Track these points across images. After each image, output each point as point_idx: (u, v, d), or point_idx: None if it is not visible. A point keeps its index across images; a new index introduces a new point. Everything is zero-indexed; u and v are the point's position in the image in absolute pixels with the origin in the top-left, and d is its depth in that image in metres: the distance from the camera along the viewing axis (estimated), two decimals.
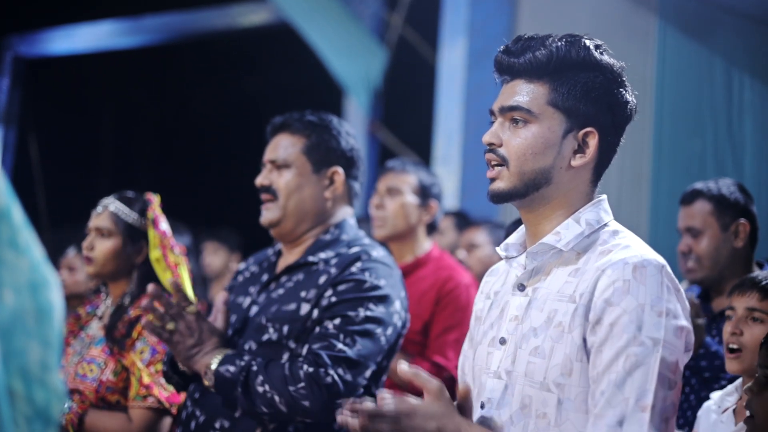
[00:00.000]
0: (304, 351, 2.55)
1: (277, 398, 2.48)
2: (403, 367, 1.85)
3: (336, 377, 2.48)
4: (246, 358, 2.56)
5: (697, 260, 3.31)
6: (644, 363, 1.75)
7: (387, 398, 1.82)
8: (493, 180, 1.97)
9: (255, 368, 2.52)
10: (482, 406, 1.93)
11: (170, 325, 2.58)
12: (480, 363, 1.98)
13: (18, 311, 1.26)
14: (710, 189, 3.34)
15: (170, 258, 3.21)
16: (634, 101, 1.97)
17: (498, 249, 2.07)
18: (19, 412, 1.24)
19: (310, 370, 2.48)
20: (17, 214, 1.31)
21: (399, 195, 4.06)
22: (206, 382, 2.58)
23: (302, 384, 2.47)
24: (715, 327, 3.27)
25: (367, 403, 1.81)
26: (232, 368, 2.53)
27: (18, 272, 1.28)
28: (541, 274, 1.94)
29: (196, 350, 2.59)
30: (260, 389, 2.50)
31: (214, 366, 2.55)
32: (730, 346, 2.75)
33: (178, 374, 2.73)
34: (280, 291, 2.73)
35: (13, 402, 1.23)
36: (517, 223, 2.99)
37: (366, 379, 2.57)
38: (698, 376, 3.16)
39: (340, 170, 2.81)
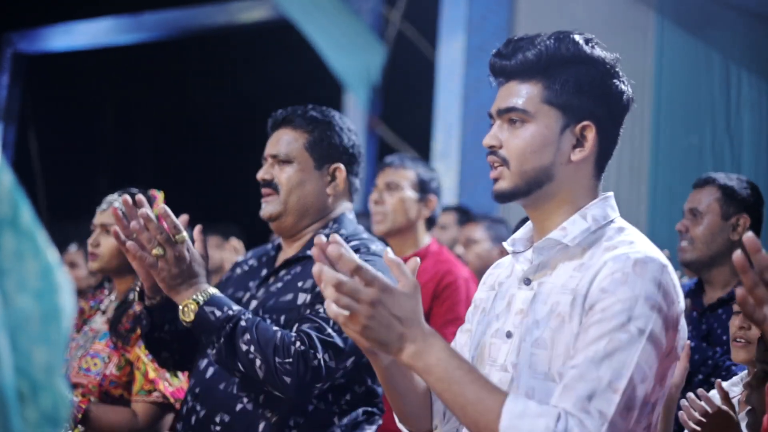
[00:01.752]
0: (294, 329, 2.55)
1: (258, 362, 2.44)
2: (389, 254, 1.73)
3: (322, 362, 2.47)
4: (235, 307, 2.49)
5: (691, 241, 3.36)
6: (626, 350, 1.75)
7: (371, 268, 1.69)
8: (496, 180, 1.97)
9: (244, 323, 2.46)
10: None
11: (157, 250, 2.45)
12: (483, 354, 1.99)
13: (25, 316, 1.26)
14: (723, 178, 3.39)
15: None
16: (630, 91, 1.98)
17: (505, 244, 2.08)
18: (26, 417, 1.25)
19: (302, 348, 2.45)
20: (26, 218, 1.30)
21: (398, 190, 4.08)
22: (182, 317, 2.48)
23: (290, 360, 2.44)
24: (704, 320, 3.30)
25: (352, 256, 1.67)
26: (218, 313, 2.46)
27: (25, 279, 1.28)
28: (547, 268, 1.95)
29: (180, 280, 2.47)
30: (243, 347, 2.45)
31: (198, 302, 2.46)
32: (738, 340, 2.75)
33: (147, 311, 2.66)
34: (279, 285, 2.73)
35: (22, 407, 1.24)
36: (526, 221, 3.01)
37: (348, 366, 2.56)
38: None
39: (342, 167, 2.81)
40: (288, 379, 2.44)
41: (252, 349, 2.45)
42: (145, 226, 2.43)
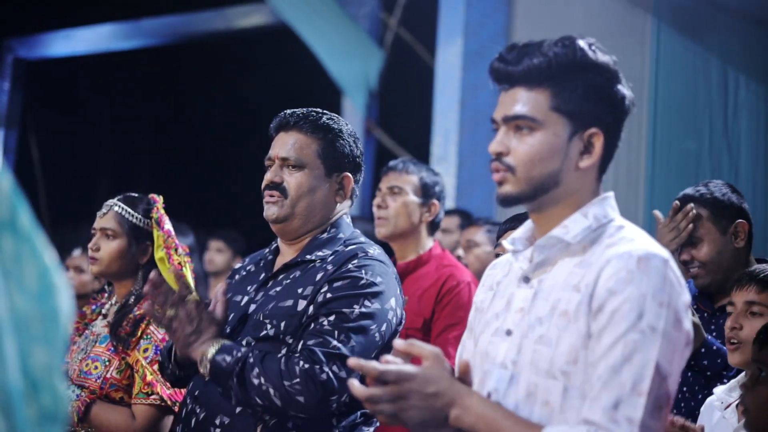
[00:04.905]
0: (299, 346, 2.57)
1: (272, 391, 2.50)
2: (397, 342, 1.87)
3: (330, 374, 2.49)
4: (243, 349, 2.57)
5: (702, 266, 3.27)
6: (642, 350, 1.77)
7: (390, 362, 1.84)
8: (500, 184, 1.96)
9: (251, 360, 2.54)
10: (488, 396, 1.95)
11: (170, 312, 2.60)
12: (483, 353, 2.00)
13: (25, 317, 1.28)
14: (702, 194, 3.29)
15: (174, 258, 3.24)
16: (631, 94, 1.98)
17: (504, 242, 2.07)
18: (27, 415, 1.26)
19: (306, 366, 2.49)
20: (25, 220, 1.31)
21: (401, 194, 4.09)
22: (201, 370, 2.59)
23: (297, 380, 2.48)
24: (714, 323, 3.27)
25: (372, 365, 1.83)
26: (228, 358, 2.55)
27: (24, 281, 1.29)
28: (547, 266, 1.96)
29: (194, 338, 2.60)
30: (255, 381, 2.51)
31: (210, 354, 2.56)
32: (731, 340, 2.76)
33: (175, 364, 2.75)
34: (278, 288, 2.74)
35: (25, 405, 1.26)
36: (512, 221, 3.01)
37: (359, 375, 2.59)
38: (697, 374, 3.17)
39: (350, 176, 2.82)
40: (301, 399, 2.48)
41: (263, 380, 2.51)
42: (156, 289, 2.60)
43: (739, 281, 2.82)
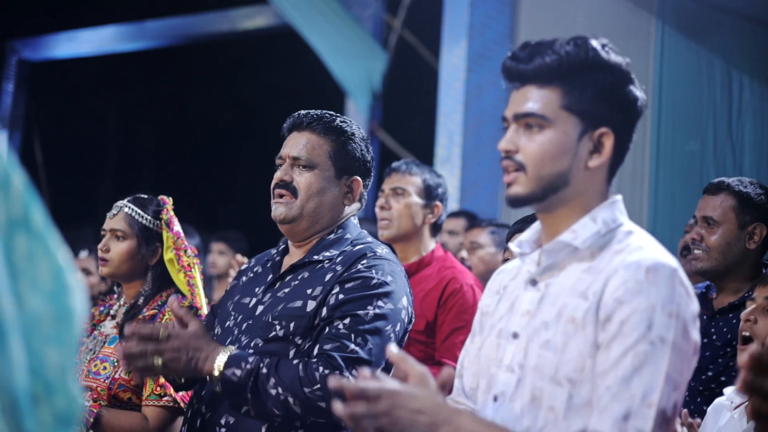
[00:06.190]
0: (316, 351, 2.56)
1: (291, 399, 2.49)
2: (392, 349, 1.84)
3: (351, 379, 2.49)
4: (252, 359, 2.54)
5: (706, 250, 3.30)
6: (652, 361, 1.77)
7: (369, 378, 1.80)
8: (510, 185, 1.95)
9: (264, 370, 2.52)
10: (495, 399, 1.95)
11: (157, 361, 2.53)
12: (489, 355, 2.00)
13: (38, 317, 1.27)
14: (737, 185, 3.33)
15: (184, 259, 3.25)
16: (643, 96, 1.97)
17: (511, 245, 2.08)
18: (41, 418, 1.25)
19: (326, 372, 2.48)
20: (38, 219, 1.30)
21: (404, 196, 4.09)
22: (215, 388, 2.56)
23: (318, 386, 2.47)
24: (713, 326, 3.29)
25: (351, 383, 1.78)
26: (238, 372, 2.52)
27: (37, 280, 1.28)
28: (554, 270, 1.95)
29: (194, 361, 2.54)
30: (273, 392, 2.50)
31: (218, 370, 2.53)
32: (744, 333, 2.74)
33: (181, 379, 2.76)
34: (286, 289, 2.73)
35: (36, 408, 1.25)
36: (521, 223, 3.01)
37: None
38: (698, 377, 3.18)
39: (359, 180, 2.83)
40: (323, 404, 2.47)
41: (280, 390, 2.49)
42: (130, 349, 2.53)
43: (764, 279, 2.81)
